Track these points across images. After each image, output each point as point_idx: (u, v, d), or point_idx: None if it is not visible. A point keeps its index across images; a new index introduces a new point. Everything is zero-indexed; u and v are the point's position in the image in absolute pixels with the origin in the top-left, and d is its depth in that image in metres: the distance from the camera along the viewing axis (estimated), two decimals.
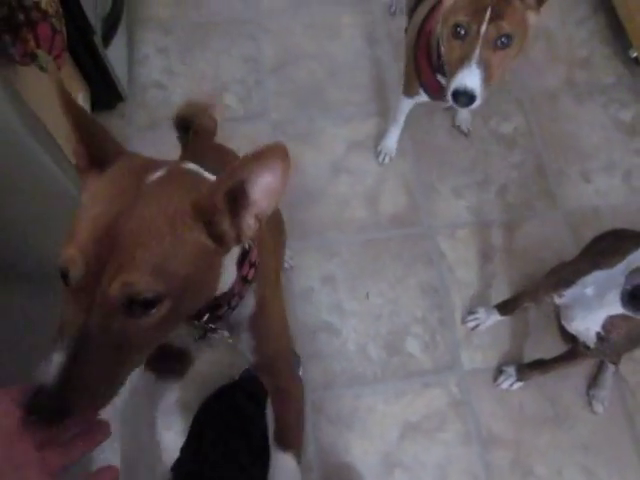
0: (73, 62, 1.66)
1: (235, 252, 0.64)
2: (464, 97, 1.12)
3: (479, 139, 2.00)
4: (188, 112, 1.19)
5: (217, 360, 1.64)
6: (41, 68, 1.18)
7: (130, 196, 0.50)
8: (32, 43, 1.14)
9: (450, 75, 1.17)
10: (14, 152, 1.21)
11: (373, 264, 1.80)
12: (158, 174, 0.54)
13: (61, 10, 1.22)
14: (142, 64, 2.04)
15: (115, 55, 1.79)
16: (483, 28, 1.07)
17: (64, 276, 0.49)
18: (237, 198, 0.52)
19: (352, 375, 1.68)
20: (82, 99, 1.71)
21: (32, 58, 1.17)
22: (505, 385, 1.66)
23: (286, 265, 1.75)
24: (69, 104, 0.54)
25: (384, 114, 2.00)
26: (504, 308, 1.66)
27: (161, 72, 2.03)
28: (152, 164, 0.56)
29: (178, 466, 1.15)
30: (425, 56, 1.40)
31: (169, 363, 0.83)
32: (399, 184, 1.91)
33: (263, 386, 0.84)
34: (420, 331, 1.73)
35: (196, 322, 0.67)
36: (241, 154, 0.51)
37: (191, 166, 0.61)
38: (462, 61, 1.11)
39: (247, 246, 0.68)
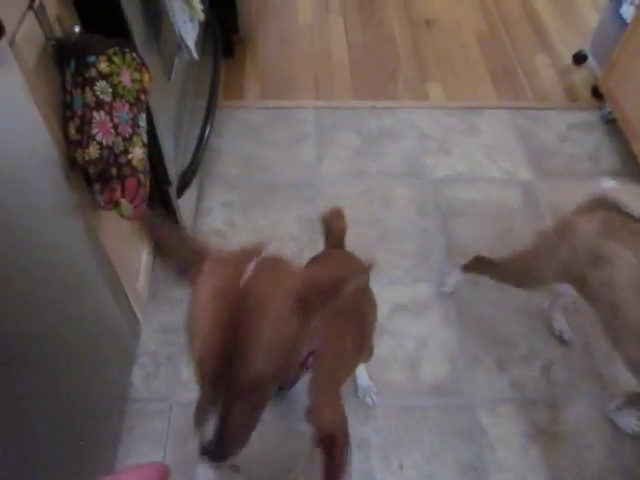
0: (147, 208, 1.82)
1: None
2: None
3: (523, 313, 2.00)
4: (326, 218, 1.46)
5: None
6: (121, 215, 1.31)
7: (234, 297, 0.62)
8: (118, 193, 1.28)
9: None
10: (81, 284, 1.30)
11: (410, 432, 1.73)
12: (250, 268, 0.64)
13: (148, 167, 1.38)
14: (207, 214, 2.21)
15: (185, 203, 1.96)
16: None
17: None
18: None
19: None
20: (148, 243, 1.84)
21: (115, 205, 1.30)
22: None
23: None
24: (152, 230, 0.70)
25: (429, 281, 2.06)
26: None
27: (223, 223, 2.19)
28: (240, 258, 0.66)
29: None
30: None
31: None
32: (441, 352, 1.90)
33: None
34: None
35: None
36: None
37: (271, 250, 0.71)
38: None
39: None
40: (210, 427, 0.62)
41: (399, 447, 1.70)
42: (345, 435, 1.04)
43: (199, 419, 0.64)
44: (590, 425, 1.77)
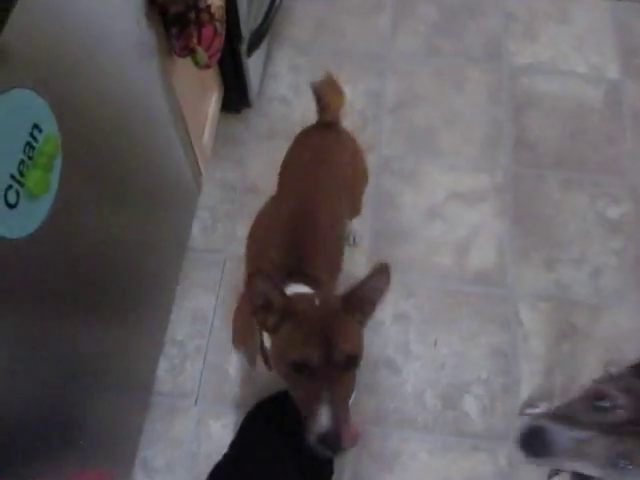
0: (217, 63, 1.80)
1: None
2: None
3: (582, 217, 1.96)
4: (319, 87, 1.34)
5: None
6: (196, 63, 1.30)
7: (325, 314, 0.88)
8: (194, 40, 1.26)
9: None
10: (154, 128, 1.33)
11: (448, 313, 1.80)
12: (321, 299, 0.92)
13: (225, 16, 1.34)
14: (273, 78, 2.17)
15: (253, 65, 1.92)
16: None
17: (299, 368, 0.83)
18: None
19: (403, 417, 1.67)
20: (215, 99, 1.84)
21: (190, 52, 1.29)
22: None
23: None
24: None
25: (491, 172, 2.02)
26: None
27: (288, 88, 2.15)
28: (314, 296, 0.95)
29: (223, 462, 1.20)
30: None
31: None
32: (492, 242, 1.91)
33: None
34: (481, 392, 1.70)
35: None
36: None
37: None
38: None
39: None
40: (327, 418, 0.77)
41: (436, 325, 1.78)
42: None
43: (310, 409, 0.79)
44: (628, 333, 1.79)
